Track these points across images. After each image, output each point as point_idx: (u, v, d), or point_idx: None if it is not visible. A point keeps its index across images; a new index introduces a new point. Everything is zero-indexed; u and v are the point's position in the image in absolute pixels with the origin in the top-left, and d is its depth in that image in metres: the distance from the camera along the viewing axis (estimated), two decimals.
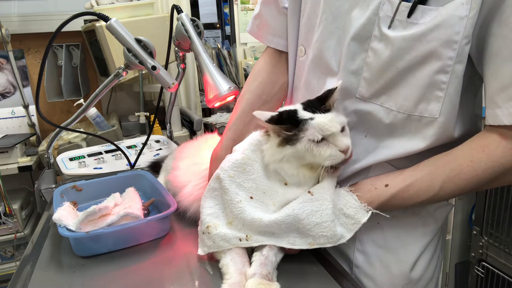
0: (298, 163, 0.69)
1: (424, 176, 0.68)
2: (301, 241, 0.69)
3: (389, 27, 0.65)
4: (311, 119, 0.67)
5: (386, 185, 0.71)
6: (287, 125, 0.68)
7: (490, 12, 0.60)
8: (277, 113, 0.70)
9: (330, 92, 0.69)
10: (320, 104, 0.70)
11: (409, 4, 0.63)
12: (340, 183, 0.75)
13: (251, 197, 0.72)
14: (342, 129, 0.68)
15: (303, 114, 0.68)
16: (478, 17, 0.60)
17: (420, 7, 0.63)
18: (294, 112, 0.69)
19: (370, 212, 0.71)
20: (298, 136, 0.67)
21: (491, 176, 0.65)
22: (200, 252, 0.74)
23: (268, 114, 0.69)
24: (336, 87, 0.68)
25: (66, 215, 0.81)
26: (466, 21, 0.60)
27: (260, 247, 0.71)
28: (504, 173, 0.64)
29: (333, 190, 0.70)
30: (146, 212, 0.92)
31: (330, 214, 0.68)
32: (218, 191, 0.74)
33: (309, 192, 0.70)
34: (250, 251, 0.72)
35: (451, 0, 0.60)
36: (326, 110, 0.69)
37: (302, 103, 0.71)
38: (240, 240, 0.70)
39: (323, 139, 0.67)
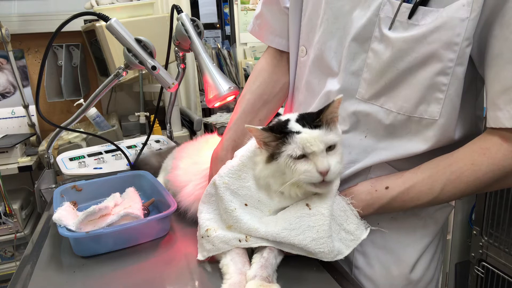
0: (282, 179, 0.68)
1: (424, 178, 0.68)
2: (299, 248, 0.69)
3: (390, 28, 0.65)
4: (297, 133, 0.65)
5: (387, 188, 0.70)
6: (276, 134, 0.66)
7: (491, 13, 0.60)
8: (268, 126, 0.69)
9: (325, 107, 0.66)
10: (314, 117, 0.67)
11: (410, 5, 0.63)
12: (340, 184, 0.75)
13: (246, 204, 0.71)
14: (331, 147, 0.66)
15: (293, 125, 0.66)
16: (479, 19, 0.60)
17: (421, 9, 0.62)
18: (285, 122, 0.68)
19: (369, 229, 0.71)
20: (281, 149, 0.65)
21: (492, 179, 0.64)
22: (200, 257, 0.74)
23: (260, 127, 0.68)
24: (333, 101, 0.65)
25: (66, 215, 0.81)
26: (467, 23, 0.59)
27: (260, 249, 0.70)
28: (505, 176, 0.64)
29: (331, 202, 0.69)
30: (146, 212, 0.92)
31: (327, 230, 0.67)
32: (215, 196, 0.74)
33: (307, 205, 0.69)
34: (250, 252, 0.72)
35: (452, 2, 0.60)
36: (316, 126, 0.65)
37: (299, 114, 0.70)
38: (239, 241, 0.70)
39: (303, 156, 0.65)
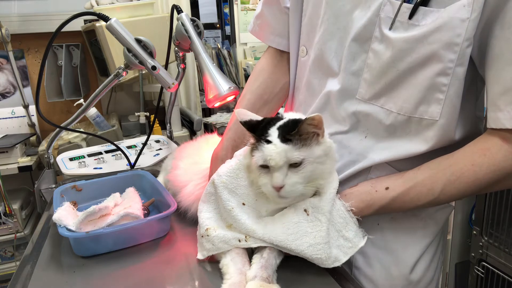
0: (255, 178, 0.69)
1: (425, 179, 0.68)
2: (297, 253, 0.68)
3: (390, 28, 0.65)
4: (268, 142, 0.65)
5: (387, 188, 0.70)
6: (254, 135, 0.67)
7: (492, 14, 0.60)
8: (259, 119, 0.70)
9: (301, 122, 0.63)
10: (292, 128, 0.65)
11: (411, 6, 0.63)
12: (340, 185, 0.74)
13: (244, 204, 0.71)
14: (297, 164, 0.64)
15: (272, 132, 0.66)
16: (480, 19, 0.59)
17: (421, 9, 0.62)
18: (270, 124, 0.68)
19: (366, 237, 0.71)
20: (253, 152, 0.66)
21: (492, 180, 0.64)
22: (200, 256, 0.74)
23: (247, 116, 0.69)
24: (306, 118, 0.63)
25: (66, 215, 0.81)
26: (468, 24, 0.59)
27: (260, 249, 0.70)
28: (506, 177, 0.64)
29: (329, 208, 0.69)
30: (146, 212, 0.92)
31: (324, 236, 0.67)
32: (214, 196, 0.74)
33: (305, 210, 0.69)
34: (250, 251, 0.72)
35: (453, 2, 0.60)
36: (288, 139, 0.64)
37: (287, 120, 0.68)
38: (239, 241, 0.70)
39: (266, 165, 0.65)
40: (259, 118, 0.71)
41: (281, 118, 0.70)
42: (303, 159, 0.64)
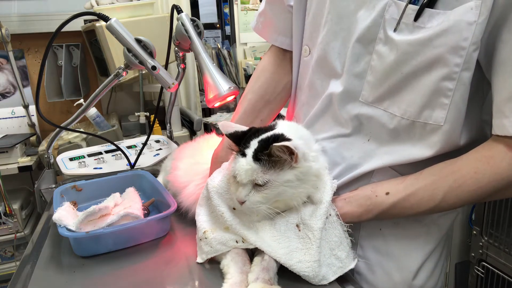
0: None
1: (426, 185, 0.66)
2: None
3: (395, 30, 0.64)
4: (242, 155, 0.66)
5: (387, 193, 0.69)
6: (237, 146, 0.68)
7: (500, 17, 0.58)
8: (244, 129, 0.70)
9: (270, 148, 0.63)
10: (267, 146, 0.64)
11: (416, 7, 0.61)
12: (341, 188, 0.74)
13: (234, 208, 0.71)
14: (262, 184, 0.64)
15: (251, 144, 0.66)
16: (487, 23, 0.58)
17: (427, 11, 0.61)
18: (255, 135, 0.68)
19: (356, 260, 0.71)
20: (234, 161, 0.68)
21: (494, 188, 0.63)
22: (199, 260, 0.74)
23: (232, 128, 0.70)
24: (272, 146, 0.62)
25: (66, 215, 0.81)
26: (475, 27, 0.57)
27: (260, 250, 0.70)
28: (509, 186, 0.62)
29: (321, 224, 0.68)
30: (146, 212, 0.92)
31: (314, 254, 0.66)
32: (210, 199, 0.74)
33: (297, 226, 0.69)
34: (251, 253, 0.72)
35: (460, 4, 0.58)
36: (258, 158, 0.64)
37: (272, 134, 0.67)
38: (236, 242, 0.70)
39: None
40: (244, 128, 0.71)
41: (272, 128, 0.70)
42: (267, 182, 0.64)
